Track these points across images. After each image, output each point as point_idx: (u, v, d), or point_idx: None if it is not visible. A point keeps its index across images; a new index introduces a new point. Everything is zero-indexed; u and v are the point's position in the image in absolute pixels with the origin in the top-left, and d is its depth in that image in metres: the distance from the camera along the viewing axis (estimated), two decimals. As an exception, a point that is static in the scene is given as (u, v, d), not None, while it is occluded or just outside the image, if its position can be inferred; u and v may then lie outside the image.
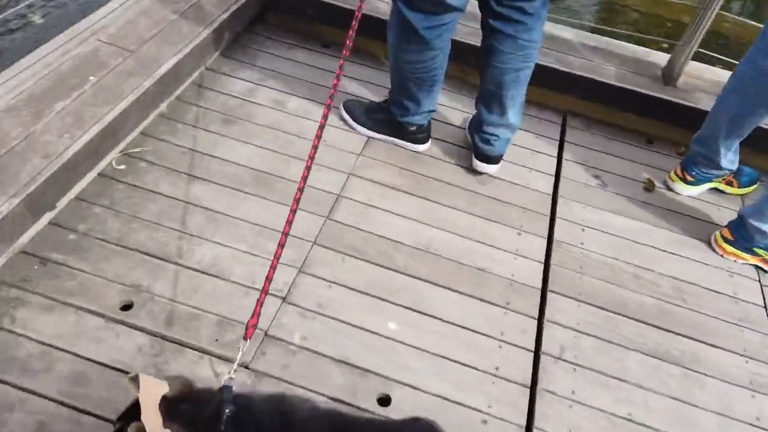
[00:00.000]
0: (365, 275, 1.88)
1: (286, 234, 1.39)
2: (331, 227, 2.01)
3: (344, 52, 1.55)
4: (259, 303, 1.34)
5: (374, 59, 2.76)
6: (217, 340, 1.64)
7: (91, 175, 2.00)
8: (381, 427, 1.31)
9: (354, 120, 2.39)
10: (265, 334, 1.68)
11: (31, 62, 2.14)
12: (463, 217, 2.14)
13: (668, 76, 2.66)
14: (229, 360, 1.60)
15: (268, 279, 1.35)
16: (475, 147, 2.26)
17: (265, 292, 1.33)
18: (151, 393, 1.17)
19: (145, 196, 1.98)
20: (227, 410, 1.17)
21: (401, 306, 1.82)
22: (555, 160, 2.47)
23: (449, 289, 1.90)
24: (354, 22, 1.64)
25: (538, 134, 2.57)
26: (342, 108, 2.43)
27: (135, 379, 1.17)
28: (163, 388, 1.18)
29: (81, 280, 1.71)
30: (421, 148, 2.36)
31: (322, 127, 1.53)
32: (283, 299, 1.77)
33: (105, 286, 1.71)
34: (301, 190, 1.45)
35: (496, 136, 2.20)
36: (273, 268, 1.35)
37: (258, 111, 2.39)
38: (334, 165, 2.23)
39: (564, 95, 2.70)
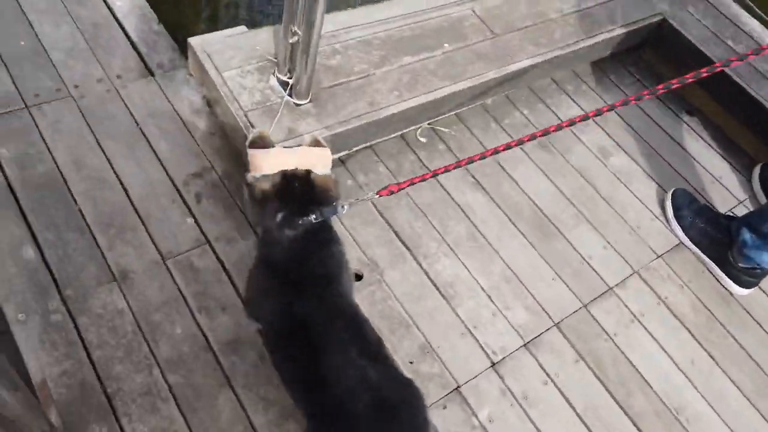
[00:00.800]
0: (590, 395, 1.69)
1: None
2: (583, 319, 1.83)
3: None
4: (409, 182, 1.36)
5: (744, 160, 2.39)
6: (411, 363, 1.63)
7: (394, 134, 2.11)
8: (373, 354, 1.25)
9: (675, 215, 2.11)
10: (456, 388, 1.62)
11: (408, 8, 2.28)
12: (746, 406, 1.77)
13: None
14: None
15: (424, 178, 1.35)
16: None
17: (421, 179, 1.34)
18: (316, 161, 1.34)
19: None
20: (313, 218, 1.29)
21: (610, 457, 1.59)
22: None
23: (675, 476, 1.60)
24: None
25: None
26: (669, 194, 2.16)
27: (316, 142, 1.36)
28: (321, 168, 1.33)
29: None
30: (741, 291, 2.00)
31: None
32: (493, 364, 1.68)
33: (350, 247, 1.80)
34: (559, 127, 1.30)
35: None
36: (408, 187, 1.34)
37: (577, 149, 2.26)
38: (624, 252, 2.01)
39: None
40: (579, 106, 2.41)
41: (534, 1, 2.47)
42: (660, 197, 2.18)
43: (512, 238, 1.94)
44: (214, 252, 1.66)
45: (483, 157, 1.37)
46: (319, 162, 1.33)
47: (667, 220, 2.12)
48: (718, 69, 1.27)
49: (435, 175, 1.38)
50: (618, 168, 2.24)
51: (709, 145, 2.43)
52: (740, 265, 1.95)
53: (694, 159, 2.37)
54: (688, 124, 2.48)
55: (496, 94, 2.33)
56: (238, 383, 1.48)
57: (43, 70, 1.91)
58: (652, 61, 2.68)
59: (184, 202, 1.74)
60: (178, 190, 1.75)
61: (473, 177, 2.07)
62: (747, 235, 1.90)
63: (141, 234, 1.65)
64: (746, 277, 1.96)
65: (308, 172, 1.32)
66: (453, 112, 2.24)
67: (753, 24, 2.63)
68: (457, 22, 2.31)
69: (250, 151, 1.35)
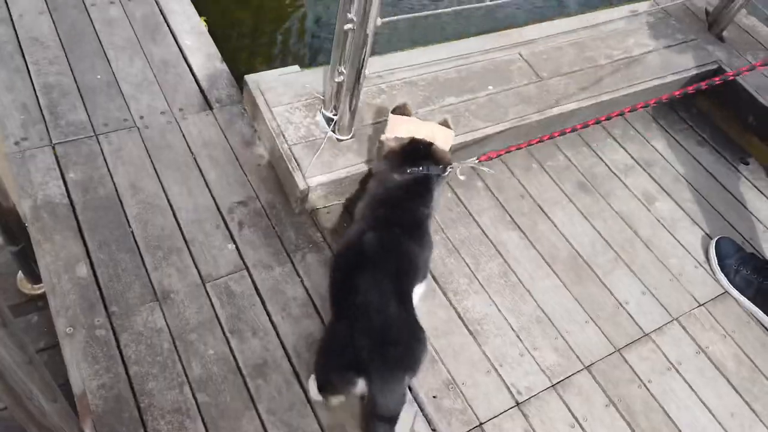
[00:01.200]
0: (618, 444, 1.60)
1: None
2: (616, 364, 1.75)
3: None
4: (505, 150, 1.75)
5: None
6: (435, 397, 1.59)
7: (434, 172, 2.10)
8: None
9: (719, 264, 2.00)
10: (479, 425, 1.57)
11: (454, 52, 2.30)
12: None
13: None
14: (435, 429, 1.55)
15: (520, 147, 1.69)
16: None
17: (516, 147, 1.69)
18: (440, 137, 1.62)
19: (463, 216, 2.01)
20: (419, 169, 1.56)
21: None
22: None
23: None
24: None
25: None
26: (713, 242, 2.05)
27: (446, 124, 1.65)
28: (442, 144, 1.61)
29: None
30: None
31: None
32: (518, 404, 1.63)
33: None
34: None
35: None
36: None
37: (620, 194, 2.18)
38: (664, 299, 1.92)
39: None
40: (625, 150, 2.34)
41: (583, 47, 2.44)
42: (706, 245, 2.07)
43: (546, 278, 1.89)
44: (251, 278, 1.70)
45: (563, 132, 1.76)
46: (441, 138, 1.62)
47: (712, 269, 2.01)
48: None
49: (530, 145, 1.75)
50: (662, 214, 2.15)
51: (763, 194, 2.31)
52: (793, 313, 1.82)
53: (746, 207, 2.25)
54: (741, 173, 2.36)
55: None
56: (262, 406, 1.49)
57: (113, 102, 2.03)
58: (705, 108, 2.59)
59: (228, 228, 1.79)
60: (222, 217, 1.81)
61: (510, 216, 2.03)
62: None
63: (185, 257, 1.70)
64: (797, 327, 1.83)
65: (431, 143, 1.60)
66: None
67: (816, 72, 2.50)
68: (503, 66, 2.31)
69: (391, 116, 1.66)
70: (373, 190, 1.64)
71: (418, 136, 1.61)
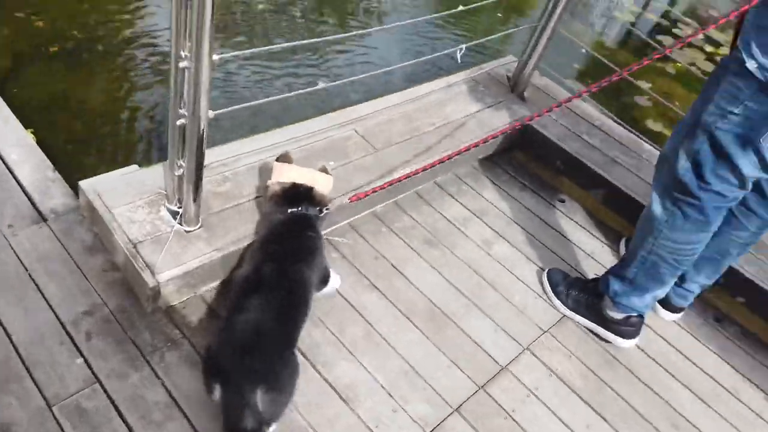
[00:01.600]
0: (494, 478, 1.63)
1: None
2: (481, 401, 1.81)
3: None
4: (372, 190, 1.93)
5: (611, 236, 2.54)
6: (313, 474, 1.53)
7: (289, 249, 2.10)
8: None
9: (553, 292, 2.19)
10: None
11: (295, 133, 2.38)
12: (639, 463, 1.76)
13: None
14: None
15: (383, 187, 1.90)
16: (666, 299, 2.12)
17: (380, 188, 1.89)
18: (320, 182, 1.79)
19: (323, 288, 2.01)
20: (298, 209, 1.74)
21: None
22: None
23: None
24: None
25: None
26: (545, 274, 2.24)
27: (325, 170, 1.84)
28: (322, 188, 1.79)
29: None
30: (625, 344, 2.06)
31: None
32: (398, 461, 1.61)
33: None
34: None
35: (692, 292, 2.12)
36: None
37: (463, 243, 2.33)
38: (513, 332, 2.04)
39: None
40: (461, 203, 2.52)
41: (409, 118, 2.63)
42: (540, 277, 2.26)
43: (407, 332, 1.94)
44: (105, 390, 1.56)
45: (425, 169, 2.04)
46: (321, 183, 1.79)
47: (548, 297, 2.19)
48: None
49: (400, 181, 1.98)
50: (501, 256, 2.32)
51: (581, 226, 2.58)
52: (616, 317, 2.01)
53: (569, 240, 2.49)
54: (560, 210, 2.63)
55: (385, 201, 2.41)
56: None
57: (-72, 229, 1.83)
58: (522, 159, 2.88)
59: (73, 342, 1.65)
60: (67, 331, 1.66)
61: (367, 279, 2.08)
62: (616, 285, 1.98)
63: (26, 382, 1.53)
64: (625, 328, 2.03)
65: (312, 187, 1.75)
66: (345, 221, 2.29)
67: (603, 119, 2.90)
68: (341, 142, 2.42)
69: (276, 164, 1.81)
70: (261, 230, 1.80)
71: (300, 181, 1.75)
